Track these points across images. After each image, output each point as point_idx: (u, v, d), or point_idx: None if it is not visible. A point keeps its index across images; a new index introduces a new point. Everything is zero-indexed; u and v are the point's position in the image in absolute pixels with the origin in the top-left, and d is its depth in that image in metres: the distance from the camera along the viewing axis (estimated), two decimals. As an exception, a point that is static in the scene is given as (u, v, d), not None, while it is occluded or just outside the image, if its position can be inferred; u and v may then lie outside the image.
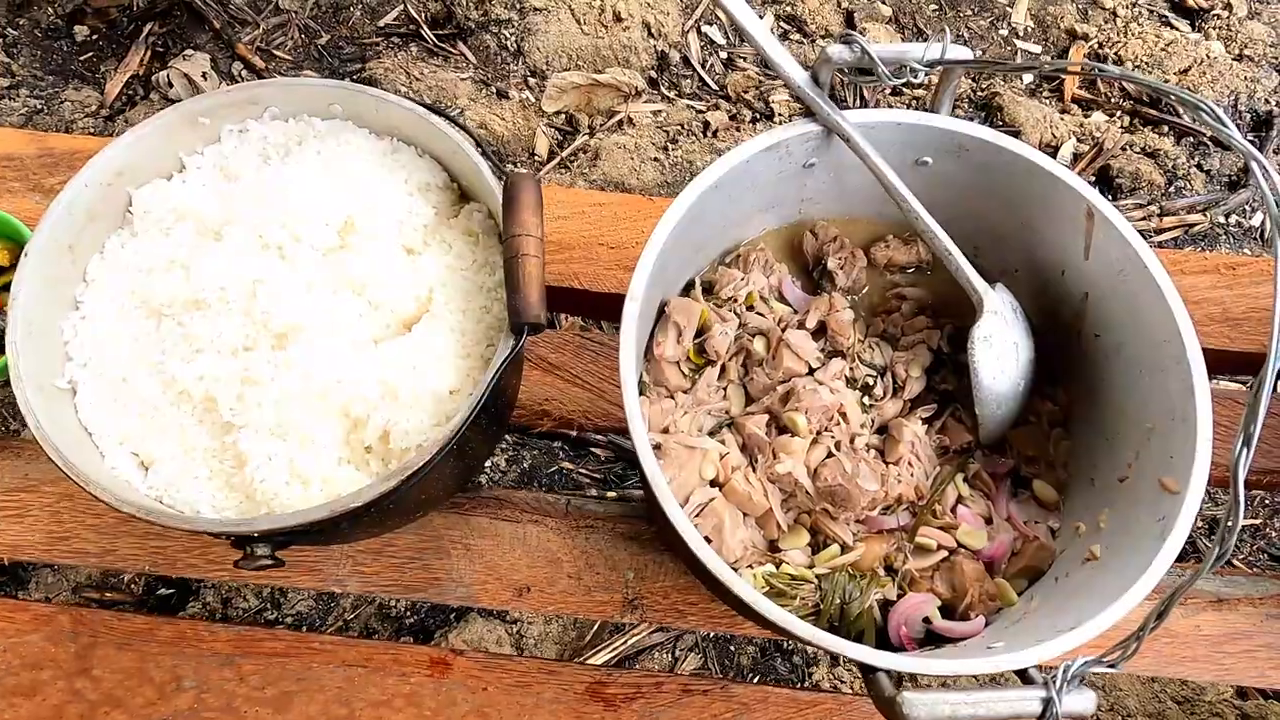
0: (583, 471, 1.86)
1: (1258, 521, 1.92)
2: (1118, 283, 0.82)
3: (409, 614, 1.67)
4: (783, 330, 0.90)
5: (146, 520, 0.70)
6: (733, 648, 1.71)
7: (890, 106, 2.19)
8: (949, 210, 0.92)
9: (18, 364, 0.74)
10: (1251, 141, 2.20)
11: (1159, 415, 0.78)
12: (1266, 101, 2.22)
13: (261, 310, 0.80)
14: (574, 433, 1.86)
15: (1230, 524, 0.48)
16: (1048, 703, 0.58)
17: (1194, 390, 0.73)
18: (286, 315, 0.79)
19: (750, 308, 0.93)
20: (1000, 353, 0.84)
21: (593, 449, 1.88)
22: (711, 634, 1.69)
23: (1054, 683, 0.59)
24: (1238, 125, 2.23)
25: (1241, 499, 0.48)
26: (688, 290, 0.95)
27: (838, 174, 0.91)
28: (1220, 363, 1.10)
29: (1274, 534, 1.93)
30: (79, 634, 0.96)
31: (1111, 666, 0.57)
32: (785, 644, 1.72)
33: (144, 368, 0.81)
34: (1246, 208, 2.16)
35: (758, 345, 0.91)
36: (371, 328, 0.83)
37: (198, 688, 0.94)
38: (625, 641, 1.65)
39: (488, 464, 1.78)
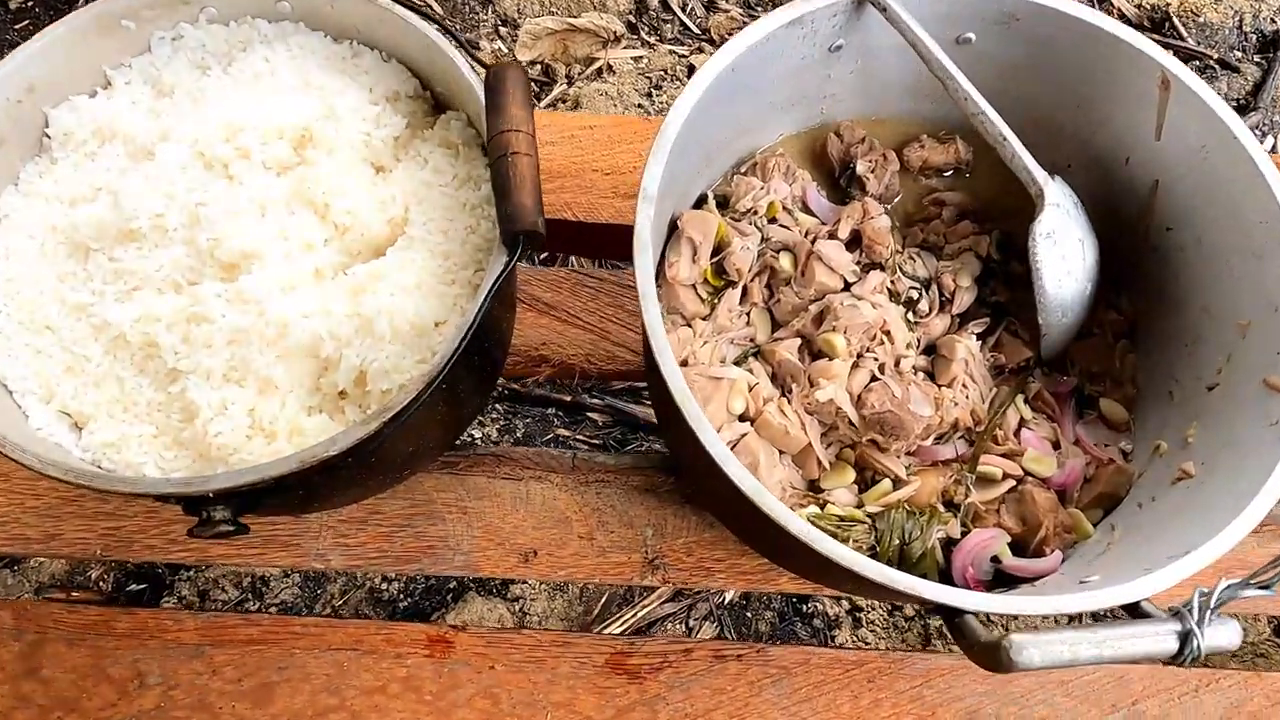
0: (580, 438, 1.75)
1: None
2: (1197, 163, 0.71)
3: (402, 596, 1.56)
4: (812, 243, 0.79)
5: (78, 485, 0.58)
6: (749, 614, 1.61)
7: None
8: (996, 98, 0.81)
9: (-87, 309, 0.62)
10: (1259, 63, 2.12)
11: (1256, 308, 0.67)
12: (1273, 21, 2.13)
13: (206, 237, 0.67)
14: (568, 397, 1.75)
15: None
16: (1187, 636, 0.48)
17: (1303, 273, 0.63)
18: (236, 241, 0.67)
19: (772, 220, 0.82)
20: (1065, 252, 0.73)
21: (589, 414, 1.76)
22: (727, 601, 1.60)
23: (1191, 614, 0.48)
24: (1243, 48, 2.14)
25: None
26: (700, 205, 0.83)
27: (865, 62, 0.80)
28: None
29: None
30: (23, 631, 0.83)
31: (1265, 588, 0.47)
32: (805, 607, 1.62)
33: (71, 312, 0.69)
34: (1256, 131, 2.07)
35: (784, 261, 0.80)
36: (337, 255, 0.71)
37: (164, 684, 0.82)
38: (636, 614, 1.55)
39: (478, 435, 1.66)
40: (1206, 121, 0.69)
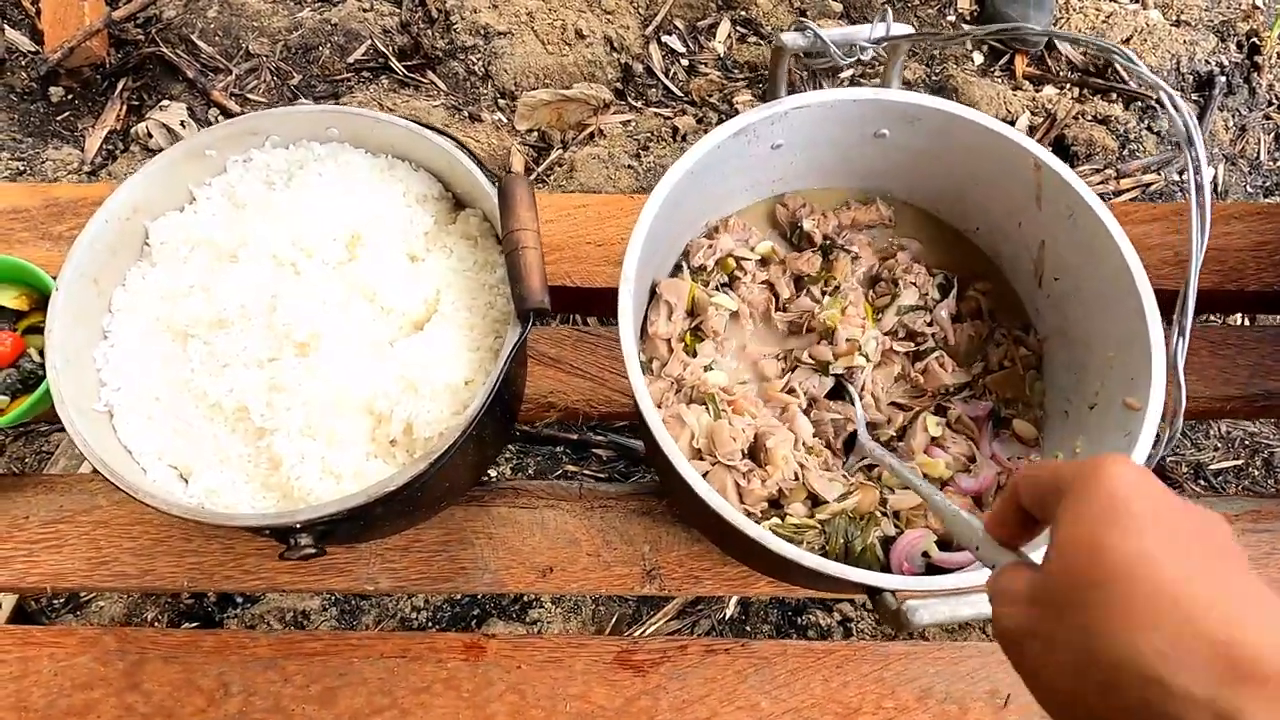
0: (587, 473, 1.91)
1: (1240, 462, 1.99)
2: (1069, 226, 0.89)
3: (430, 623, 1.71)
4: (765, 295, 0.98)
5: (197, 521, 0.75)
6: (748, 628, 1.76)
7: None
8: (911, 176, 0.99)
9: (60, 389, 0.80)
10: (1196, 101, 2.31)
11: (1118, 343, 0.84)
12: (1206, 63, 2.32)
13: (282, 323, 0.85)
14: (575, 436, 1.91)
15: (1177, 408, 0.55)
16: (1037, 597, 0.64)
17: (1145, 315, 0.80)
18: (306, 326, 0.85)
19: (731, 274, 1.00)
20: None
21: (594, 450, 1.93)
22: (728, 616, 1.75)
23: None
24: (1181, 87, 2.33)
25: (1183, 382, 0.55)
26: (676, 272, 1.01)
27: (804, 153, 0.98)
28: (1175, 302, 1.17)
29: (1257, 472, 2.01)
30: (126, 652, 1.00)
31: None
32: (800, 619, 1.77)
33: (175, 386, 0.86)
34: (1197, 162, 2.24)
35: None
36: (386, 331, 0.88)
37: (245, 692, 0.98)
38: (644, 630, 1.70)
39: (494, 474, 1.83)
40: (1069, 195, 0.87)
